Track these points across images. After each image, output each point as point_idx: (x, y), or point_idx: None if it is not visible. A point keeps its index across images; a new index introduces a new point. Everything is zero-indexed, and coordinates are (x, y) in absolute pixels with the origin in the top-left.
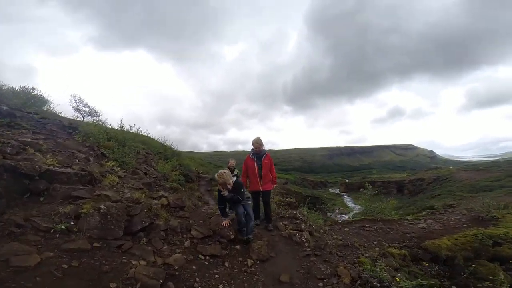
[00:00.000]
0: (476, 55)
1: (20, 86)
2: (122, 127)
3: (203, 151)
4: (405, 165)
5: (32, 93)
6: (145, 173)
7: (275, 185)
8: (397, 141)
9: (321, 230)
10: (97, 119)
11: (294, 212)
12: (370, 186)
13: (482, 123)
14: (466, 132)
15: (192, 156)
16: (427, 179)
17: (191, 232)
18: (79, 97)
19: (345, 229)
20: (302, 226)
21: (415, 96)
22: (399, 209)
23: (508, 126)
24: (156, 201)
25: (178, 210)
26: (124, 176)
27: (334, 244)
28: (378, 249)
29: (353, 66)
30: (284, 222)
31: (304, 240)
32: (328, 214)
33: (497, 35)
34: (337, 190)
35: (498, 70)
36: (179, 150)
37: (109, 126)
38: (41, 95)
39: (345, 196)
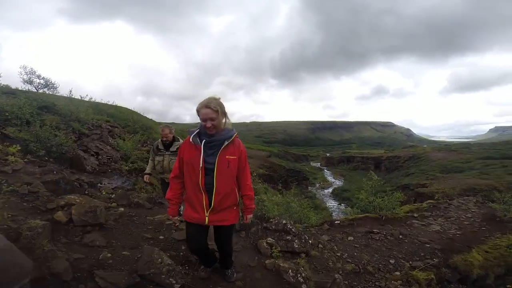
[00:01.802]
0: (466, 41)
1: None
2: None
3: (185, 122)
4: (383, 141)
5: None
6: (96, 153)
7: (250, 216)
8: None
9: (320, 244)
10: (55, 91)
11: (284, 221)
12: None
13: (459, 107)
14: (443, 114)
15: (174, 127)
16: (403, 157)
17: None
18: (31, 68)
19: (349, 238)
20: (295, 246)
21: (399, 76)
22: (366, 175)
23: (482, 111)
24: (38, 221)
25: (88, 230)
26: (19, 169)
27: (342, 272)
28: (398, 273)
29: (343, 44)
30: (269, 240)
31: (302, 280)
32: (309, 188)
33: (489, 24)
34: (318, 164)
35: (485, 57)
36: (158, 121)
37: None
38: None
39: (326, 170)
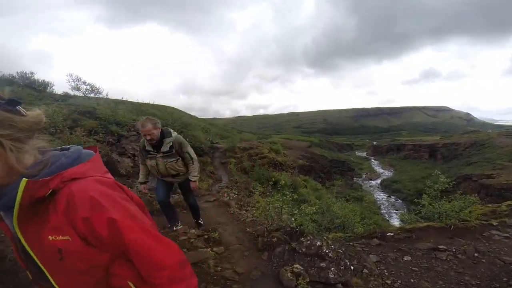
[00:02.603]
0: None
1: (17, 72)
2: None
3: (225, 117)
4: (437, 127)
5: (31, 78)
6: (133, 155)
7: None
8: (429, 102)
9: (365, 269)
10: (100, 95)
11: (318, 243)
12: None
13: None
14: (509, 96)
15: (215, 122)
16: (463, 144)
17: None
18: (76, 75)
19: (405, 258)
20: (331, 275)
21: (451, 58)
22: (430, 176)
23: None
24: None
25: None
26: None
27: None
28: None
29: (381, 27)
30: (296, 268)
31: None
32: (355, 179)
33: None
34: (364, 153)
35: None
36: (198, 117)
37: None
38: (42, 80)
39: (373, 160)
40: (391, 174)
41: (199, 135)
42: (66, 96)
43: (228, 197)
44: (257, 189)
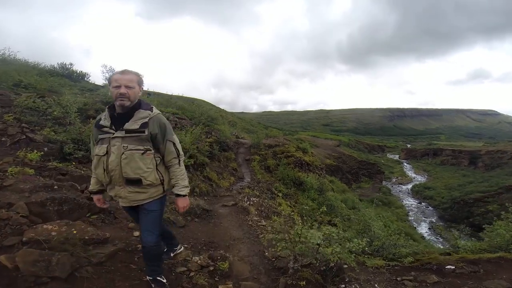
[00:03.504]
0: None
1: (57, 63)
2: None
3: (253, 111)
4: (482, 132)
5: (70, 69)
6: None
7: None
8: (475, 105)
9: None
10: None
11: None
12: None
13: None
14: None
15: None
16: (509, 152)
17: None
18: (110, 66)
19: None
20: None
21: (505, 58)
22: (469, 184)
23: None
24: None
25: (43, 281)
26: (10, 185)
27: None
28: None
29: (425, 24)
30: None
31: None
32: (384, 183)
33: None
34: (397, 156)
35: None
36: (226, 110)
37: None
38: (80, 71)
39: (405, 164)
40: (424, 179)
41: (225, 130)
42: (99, 86)
43: (248, 202)
44: (280, 191)
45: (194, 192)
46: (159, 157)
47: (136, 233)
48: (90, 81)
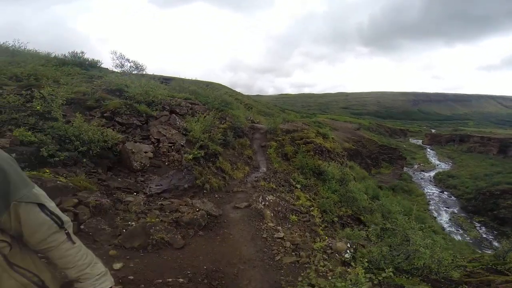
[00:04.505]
0: None
1: (68, 52)
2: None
3: (269, 94)
4: None
5: (82, 57)
6: (157, 141)
7: None
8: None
9: None
10: (143, 72)
11: None
12: None
13: None
14: None
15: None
16: None
17: None
18: (120, 53)
19: None
20: None
21: None
22: (497, 174)
23: None
24: None
25: None
26: None
27: None
28: None
29: (453, 6)
30: None
31: None
32: (405, 169)
33: None
34: (420, 141)
35: None
36: (243, 93)
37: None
38: (92, 58)
39: (429, 150)
40: (448, 167)
41: (239, 115)
42: (109, 72)
43: (262, 203)
44: (298, 182)
45: (204, 189)
46: (6, 243)
47: (118, 265)
48: (103, 68)
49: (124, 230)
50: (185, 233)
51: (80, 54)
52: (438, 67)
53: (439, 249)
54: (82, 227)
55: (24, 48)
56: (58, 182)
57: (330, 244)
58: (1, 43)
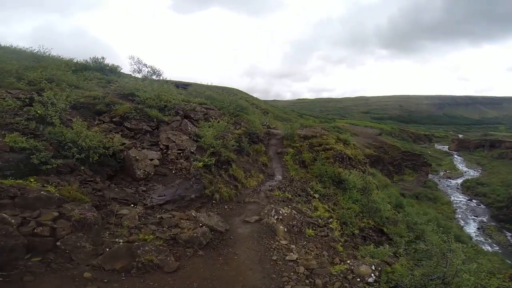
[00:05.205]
0: None
1: (90, 58)
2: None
3: (286, 99)
4: None
5: (102, 63)
6: (166, 147)
7: None
8: None
9: None
10: (160, 77)
11: None
12: None
13: None
14: None
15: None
16: None
17: None
18: (138, 58)
19: None
20: None
21: None
22: None
23: None
24: None
25: None
26: None
27: None
28: None
29: (477, 5)
30: None
31: None
32: (430, 176)
33: None
34: (446, 147)
35: None
36: (259, 99)
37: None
38: (112, 64)
39: (456, 156)
40: (478, 174)
41: (255, 120)
42: (126, 76)
43: (275, 217)
44: (316, 191)
45: (213, 200)
46: None
47: None
48: (122, 73)
49: (108, 249)
50: (181, 253)
51: (101, 60)
52: (465, 68)
53: (484, 274)
54: (58, 243)
55: (49, 54)
56: (42, 192)
57: (352, 267)
58: (27, 48)
